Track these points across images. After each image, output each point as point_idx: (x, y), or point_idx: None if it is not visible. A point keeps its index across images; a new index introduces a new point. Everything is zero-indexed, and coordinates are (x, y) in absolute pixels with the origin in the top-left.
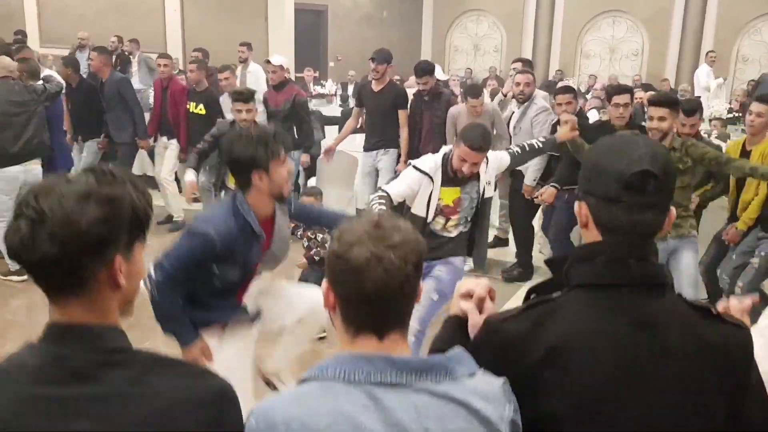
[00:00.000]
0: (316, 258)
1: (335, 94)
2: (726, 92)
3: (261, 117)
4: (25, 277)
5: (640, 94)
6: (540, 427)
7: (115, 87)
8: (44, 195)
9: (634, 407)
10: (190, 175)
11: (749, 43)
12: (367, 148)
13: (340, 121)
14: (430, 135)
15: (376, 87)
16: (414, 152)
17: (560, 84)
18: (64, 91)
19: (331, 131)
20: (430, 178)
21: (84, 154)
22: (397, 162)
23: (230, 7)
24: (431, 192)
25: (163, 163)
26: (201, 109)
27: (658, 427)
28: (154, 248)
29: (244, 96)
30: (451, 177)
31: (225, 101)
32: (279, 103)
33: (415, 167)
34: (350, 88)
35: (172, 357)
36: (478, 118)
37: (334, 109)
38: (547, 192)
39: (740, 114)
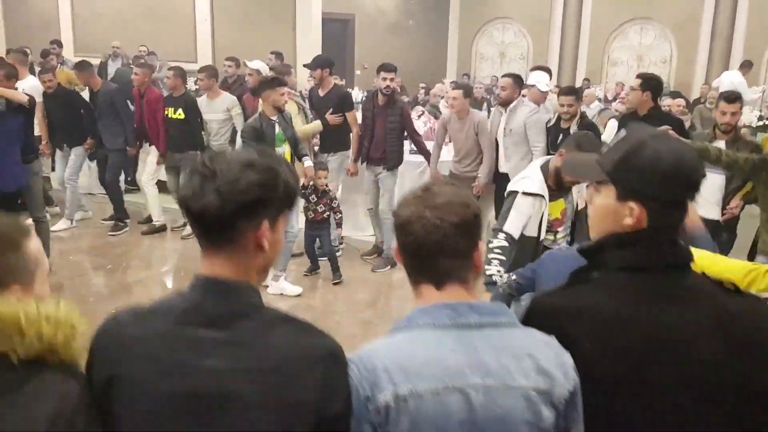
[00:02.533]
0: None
1: (361, 102)
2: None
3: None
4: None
5: (668, 102)
6: (584, 391)
7: (108, 96)
8: (216, 158)
9: (667, 369)
10: (308, 162)
11: None
12: (320, 150)
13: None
14: (382, 140)
15: (321, 92)
16: (364, 154)
17: (586, 92)
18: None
19: None
20: (542, 197)
21: (72, 156)
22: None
23: (259, 16)
24: (543, 210)
25: (145, 168)
26: (180, 114)
27: (691, 388)
28: (131, 244)
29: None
30: (554, 190)
31: (203, 103)
32: (255, 107)
33: (524, 193)
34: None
35: (294, 316)
36: (461, 122)
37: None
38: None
39: None
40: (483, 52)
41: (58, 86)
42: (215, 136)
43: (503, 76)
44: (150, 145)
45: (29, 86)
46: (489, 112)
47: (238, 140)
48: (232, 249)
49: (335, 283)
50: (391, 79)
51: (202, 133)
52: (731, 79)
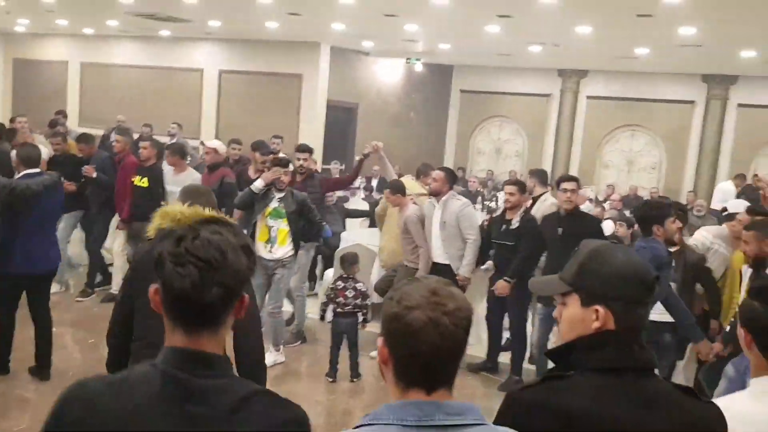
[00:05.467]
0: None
1: (359, 188)
2: None
3: None
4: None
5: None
6: None
7: (100, 165)
8: (202, 245)
9: None
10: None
11: (765, 163)
12: None
13: (367, 215)
14: None
15: (252, 173)
16: None
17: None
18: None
19: (353, 223)
20: None
21: (61, 225)
22: None
23: (265, 99)
24: None
25: (116, 238)
26: (144, 182)
27: None
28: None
29: (283, 162)
30: None
31: (168, 174)
32: (211, 183)
33: None
34: (374, 182)
35: (263, 388)
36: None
37: (358, 202)
38: (500, 285)
39: None
40: (480, 147)
41: (66, 152)
42: None
43: (438, 168)
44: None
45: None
46: (483, 205)
47: None
48: (218, 327)
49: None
50: (305, 159)
51: (163, 203)
52: (723, 189)
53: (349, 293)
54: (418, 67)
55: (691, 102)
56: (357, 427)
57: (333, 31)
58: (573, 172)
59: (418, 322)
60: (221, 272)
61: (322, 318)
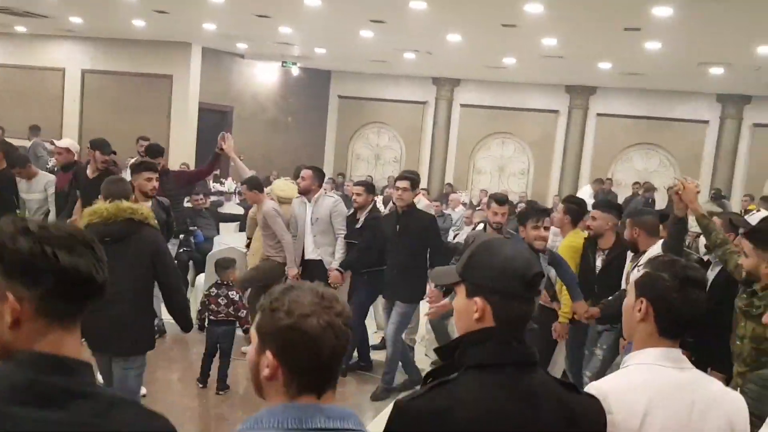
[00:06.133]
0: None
1: (234, 193)
2: None
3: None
4: None
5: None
6: None
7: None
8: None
9: None
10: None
11: (622, 169)
12: None
13: (241, 218)
14: None
15: (90, 173)
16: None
17: (451, 196)
18: None
19: (228, 228)
20: None
21: None
22: None
23: (133, 101)
24: None
25: None
26: None
27: None
28: None
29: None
30: None
31: (23, 186)
32: (63, 183)
33: None
34: None
35: (131, 399)
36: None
37: (232, 207)
38: (332, 275)
39: None
40: (359, 152)
41: None
42: (34, 214)
43: (305, 167)
44: None
45: None
46: None
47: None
48: (77, 326)
49: None
50: (157, 161)
51: (17, 211)
52: (583, 192)
53: (222, 301)
54: (295, 71)
55: (556, 111)
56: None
57: (204, 32)
58: (448, 177)
59: (316, 328)
60: (99, 252)
61: (201, 327)
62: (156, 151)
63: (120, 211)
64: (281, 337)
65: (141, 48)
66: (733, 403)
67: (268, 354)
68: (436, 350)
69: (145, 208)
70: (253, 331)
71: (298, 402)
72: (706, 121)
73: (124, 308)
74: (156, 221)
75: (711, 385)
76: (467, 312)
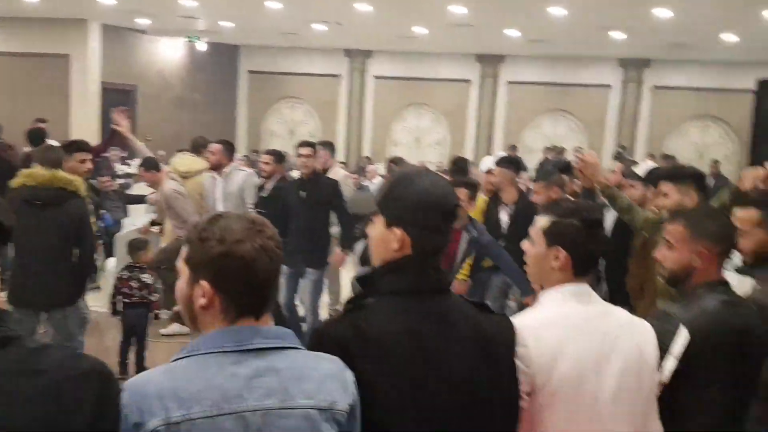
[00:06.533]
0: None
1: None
2: None
3: None
4: None
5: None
6: (367, 414)
7: None
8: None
9: (436, 382)
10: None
11: (532, 135)
12: None
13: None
14: None
15: None
16: None
17: (368, 168)
18: None
19: (138, 209)
20: None
21: None
22: None
23: (27, 83)
24: None
25: None
26: None
27: (456, 396)
28: None
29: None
30: None
31: None
32: None
33: None
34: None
35: (55, 344)
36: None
37: (141, 188)
38: None
39: None
40: (273, 129)
41: None
42: None
43: (215, 141)
44: None
45: None
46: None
47: None
48: None
49: None
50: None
51: None
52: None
53: (134, 283)
54: (201, 46)
55: (468, 81)
56: (175, 360)
57: (102, 7)
58: (365, 150)
59: (251, 252)
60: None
61: (115, 312)
62: (37, 136)
63: (56, 180)
64: (216, 264)
65: (33, 26)
66: (641, 329)
67: (203, 283)
68: (355, 278)
69: (80, 180)
70: (181, 265)
71: (236, 326)
72: (609, 86)
73: (48, 267)
74: (86, 193)
75: (620, 313)
76: (385, 242)
